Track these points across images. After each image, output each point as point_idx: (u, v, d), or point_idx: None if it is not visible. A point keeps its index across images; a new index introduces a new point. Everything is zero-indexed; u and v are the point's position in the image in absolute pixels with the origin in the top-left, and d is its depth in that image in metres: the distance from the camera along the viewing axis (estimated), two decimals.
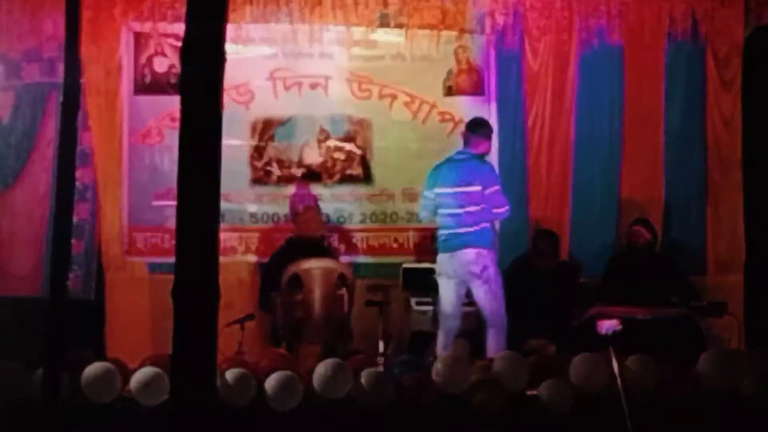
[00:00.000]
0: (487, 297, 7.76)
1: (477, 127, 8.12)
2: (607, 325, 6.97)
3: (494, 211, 7.89)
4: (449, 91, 9.22)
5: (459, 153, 8.03)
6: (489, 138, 8.13)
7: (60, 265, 5.46)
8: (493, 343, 7.65)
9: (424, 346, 8.20)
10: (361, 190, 9.18)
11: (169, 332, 4.72)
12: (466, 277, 7.78)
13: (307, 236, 8.71)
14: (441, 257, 7.88)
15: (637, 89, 9.12)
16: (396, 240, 9.14)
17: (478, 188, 7.81)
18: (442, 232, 7.90)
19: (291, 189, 9.13)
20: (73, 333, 5.75)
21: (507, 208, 7.96)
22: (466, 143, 8.04)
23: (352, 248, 9.12)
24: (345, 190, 9.17)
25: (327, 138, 9.18)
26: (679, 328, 7.76)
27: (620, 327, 6.96)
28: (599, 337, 6.91)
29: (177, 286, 4.71)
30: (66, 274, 5.56)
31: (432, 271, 8.13)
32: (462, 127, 8.95)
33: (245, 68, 8.91)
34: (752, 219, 8.97)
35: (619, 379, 6.36)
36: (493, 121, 9.06)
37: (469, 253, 7.76)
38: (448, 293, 7.85)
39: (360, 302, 8.35)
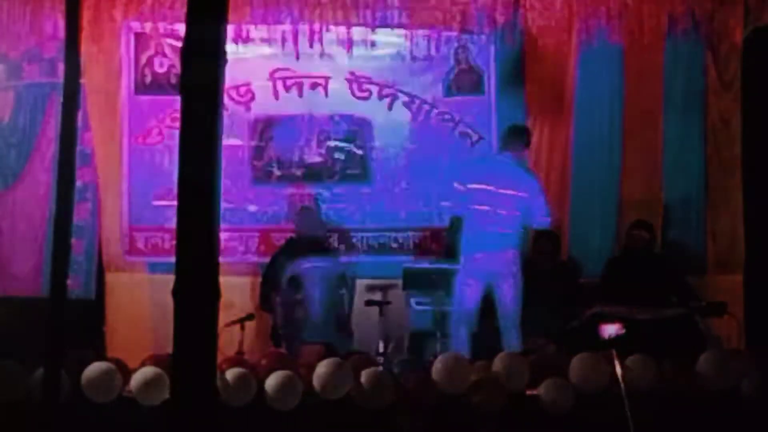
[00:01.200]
0: (515, 298, 7.85)
1: (520, 134, 8.22)
2: (610, 330, 6.97)
3: (538, 219, 8.02)
4: (449, 91, 9.22)
5: (500, 155, 8.06)
6: (528, 146, 8.26)
7: (60, 265, 5.45)
8: (515, 345, 7.68)
9: (424, 346, 8.21)
10: (361, 190, 9.18)
11: (169, 332, 4.72)
12: (501, 276, 7.82)
13: (306, 236, 8.71)
14: (477, 256, 7.83)
15: (637, 89, 9.12)
16: (396, 240, 9.14)
17: (524, 194, 7.91)
18: (478, 230, 7.86)
19: (291, 189, 9.13)
20: (73, 333, 5.75)
21: (550, 219, 8.11)
22: (506, 147, 8.06)
23: (352, 248, 9.12)
24: (345, 190, 9.17)
25: (327, 138, 9.18)
26: (679, 328, 7.76)
27: (623, 331, 6.96)
28: (602, 341, 6.92)
29: (177, 286, 4.71)
30: (66, 274, 5.55)
31: (432, 271, 8.12)
32: (461, 127, 9.01)
33: (245, 68, 8.91)
34: (752, 219, 8.97)
35: (622, 384, 6.36)
36: (493, 121, 9.10)
37: (510, 254, 7.86)
38: (472, 293, 7.84)
39: (360, 302, 8.35)
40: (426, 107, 9.17)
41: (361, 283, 8.62)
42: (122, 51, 9.01)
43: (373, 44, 9.06)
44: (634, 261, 8.41)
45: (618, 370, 6.37)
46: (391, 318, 8.30)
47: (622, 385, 6.32)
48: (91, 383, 6.56)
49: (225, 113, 4.89)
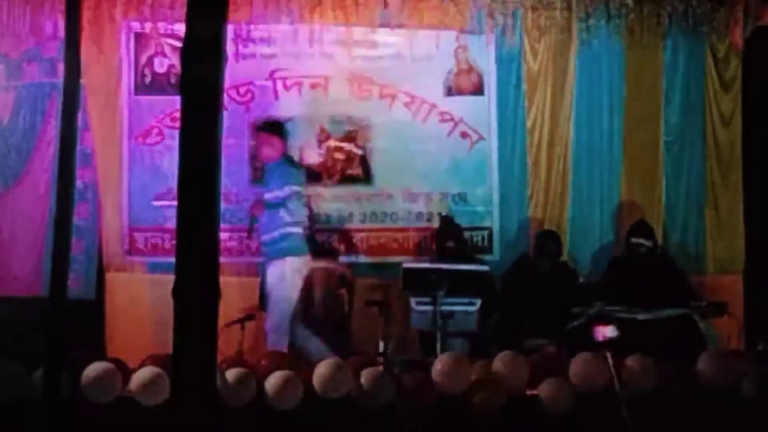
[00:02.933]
0: None
1: (278, 128, 8.57)
2: (603, 332, 6.99)
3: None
4: (449, 91, 9.21)
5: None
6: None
7: (60, 265, 5.46)
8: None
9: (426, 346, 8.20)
10: (361, 190, 9.17)
11: (169, 332, 4.72)
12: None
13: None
14: (304, 258, 8.24)
15: (636, 89, 9.13)
16: (396, 240, 9.13)
17: None
18: (305, 233, 8.29)
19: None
20: (73, 333, 5.75)
21: None
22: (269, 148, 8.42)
23: (352, 248, 9.12)
24: (345, 190, 9.16)
25: (327, 138, 9.17)
26: (679, 328, 7.76)
27: (616, 333, 6.97)
28: (596, 343, 6.93)
29: (177, 286, 4.72)
30: (66, 274, 5.56)
31: (432, 271, 8.11)
32: (461, 127, 9.01)
33: (245, 68, 8.91)
34: (752, 219, 8.97)
35: (617, 386, 6.37)
36: (493, 121, 9.10)
37: None
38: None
39: (360, 302, 8.35)
40: (426, 107, 9.17)
41: (361, 283, 8.62)
42: (122, 51, 9.01)
43: (373, 44, 9.07)
44: (634, 261, 8.40)
45: (612, 372, 6.37)
46: (391, 318, 8.30)
47: (617, 386, 6.33)
48: (91, 383, 6.55)
49: (225, 113, 4.89)
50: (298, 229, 8.16)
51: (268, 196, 8.22)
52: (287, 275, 8.03)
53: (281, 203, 8.11)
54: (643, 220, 8.73)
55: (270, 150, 8.39)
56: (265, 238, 8.18)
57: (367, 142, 9.18)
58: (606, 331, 7.01)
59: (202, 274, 4.71)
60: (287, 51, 9.05)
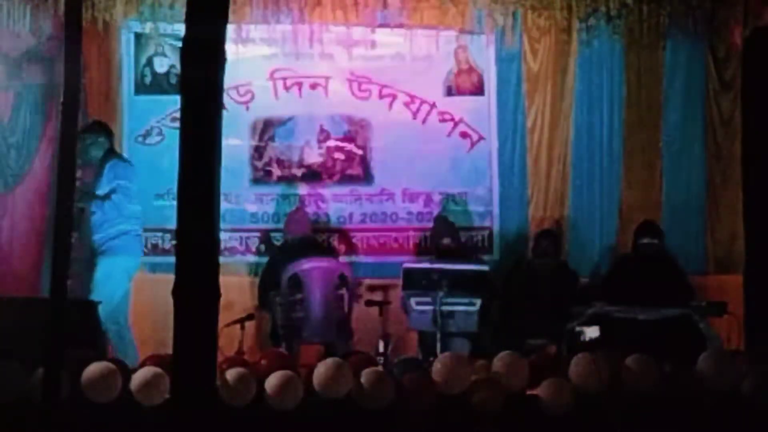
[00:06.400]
0: None
1: None
2: (587, 333, 7.02)
3: None
4: (449, 91, 9.23)
5: None
6: None
7: (60, 265, 5.45)
8: None
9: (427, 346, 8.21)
10: (361, 190, 9.18)
11: (169, 332, 4.72)
12: None
13: (295, 237, 8.71)
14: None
15: (636, 89, 9.13)
16: (396, 240, 9.14)
17: None
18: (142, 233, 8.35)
19: (290, 189, 9.13)
20: (73, 333, 5.74)
21: None
22: None
23: (352, 248, 9.13)
24: (345, 190, 9.18)
25: (327, 138, 9.18)
26: (679, 328, 7.76)
27: (597, 334, 7.00)
28: (580, 344, 6.96)
29: (177, 286, 4.71)
30: (66, 274, 5.55)
31: (432, 271, 8.11)
32: (461, 127, 9.02)
33: (245, 68, 8.92)
34: (752, 219, 8.96)
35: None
36: (493, 121, 9.10)
37: None
38: None
39: (360, 302, 8.35)
40: (426, 107, 9.18)
41: (361, 283, 8.63)
42: (122, 51, 9.02)
43: (373, 44, 9.08)
44: (635, 261, 8.40)
45: (594, 372, 6.39)
46: (391, 318, 8.30)
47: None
48: (91, 383, 6.54)
49: (225, 113, 4.89)
50: (134, 228, 8.12)
51: (98, 192, 8.09)
52: (115, 274, 8.02)
53: (106, 196, 8.02)
54: (649, 219, 8.73)
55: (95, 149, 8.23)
56: (100, 235, 8.12)
57: (367, 142, 9.20)
58: (589, 332, 7.06)
59: (202, 274, 4.71)
60: (287, 51, 9.06)
